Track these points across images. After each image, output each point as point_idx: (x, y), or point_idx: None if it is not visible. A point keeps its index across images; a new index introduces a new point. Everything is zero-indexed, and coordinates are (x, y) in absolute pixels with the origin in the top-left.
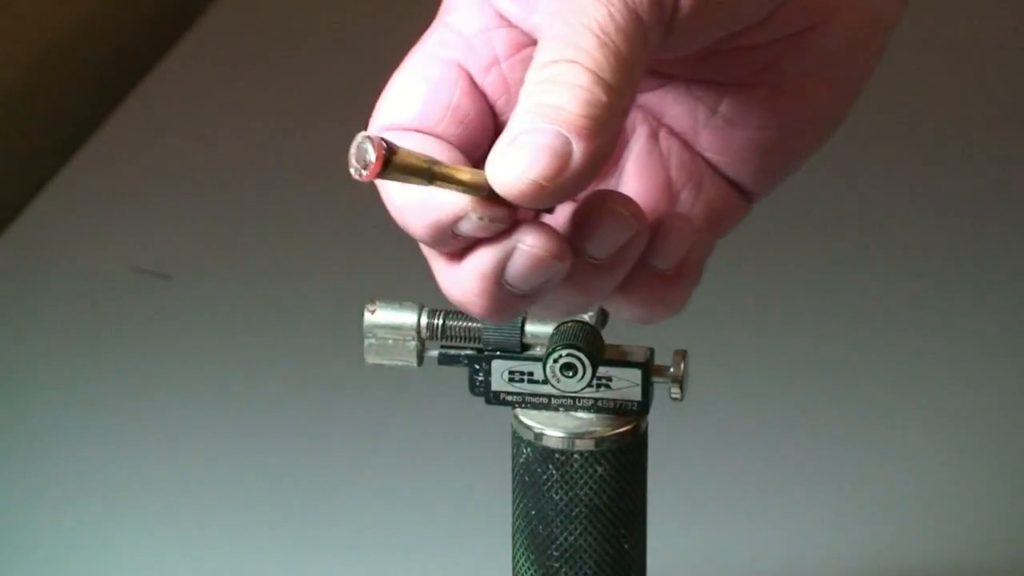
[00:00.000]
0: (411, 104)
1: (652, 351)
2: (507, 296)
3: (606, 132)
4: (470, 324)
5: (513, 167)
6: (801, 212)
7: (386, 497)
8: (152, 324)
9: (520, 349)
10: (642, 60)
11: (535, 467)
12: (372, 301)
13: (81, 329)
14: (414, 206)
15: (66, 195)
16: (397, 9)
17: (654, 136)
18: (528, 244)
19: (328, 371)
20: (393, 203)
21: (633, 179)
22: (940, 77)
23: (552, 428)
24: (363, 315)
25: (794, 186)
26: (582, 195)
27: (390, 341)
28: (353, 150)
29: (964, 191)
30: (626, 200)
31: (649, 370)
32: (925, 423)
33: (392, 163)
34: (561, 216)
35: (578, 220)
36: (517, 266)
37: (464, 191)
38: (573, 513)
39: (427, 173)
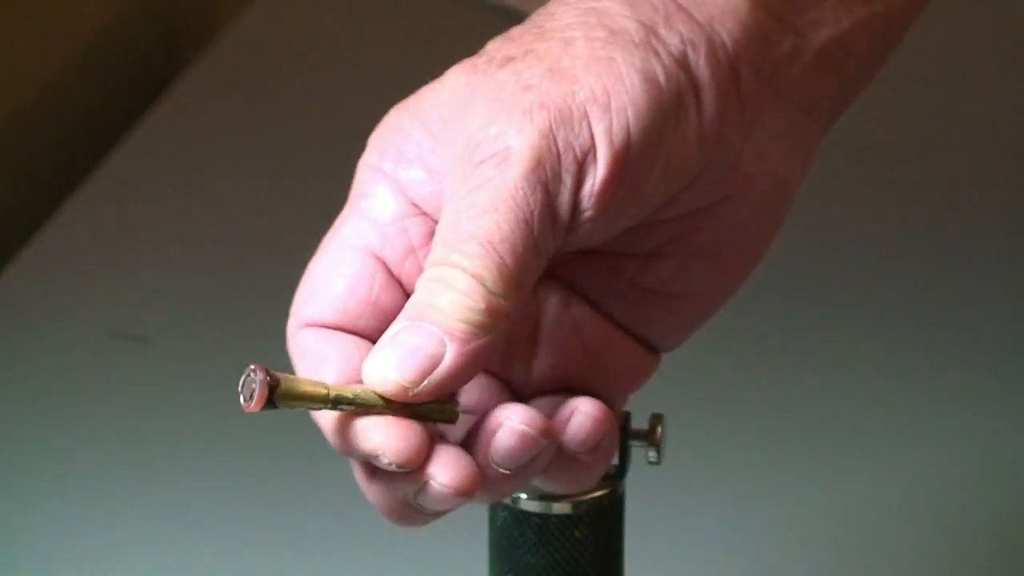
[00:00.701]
0: (329, 301)
1: (629, 415)
2: (416, 514)
3: (481, 337)
4: None
5: (382, 367)
6: (776, 276)
7: (364, 560)
8: (129, 388)
9: None
10: (531, 266)
11: (512, 530)
12: None
13: (57, 393)
14: (330, 432)
15: (42, 259)
16: (379, 66)
17: (565, 304)
18: (439, 483)
19: (303, 431)
20: (315, 419)
21: (545, 348)
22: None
23: (529, 491)
24: None
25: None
26: (468, 401)
27: None
28: (242, 379)
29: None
30: (530, 416)
31: (626, 434)
32: (910, 485)
33: (277, 396)
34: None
35: (486, 438)
36: (428, 498)
37: (360, 408)
38: None
39: (321, 399)
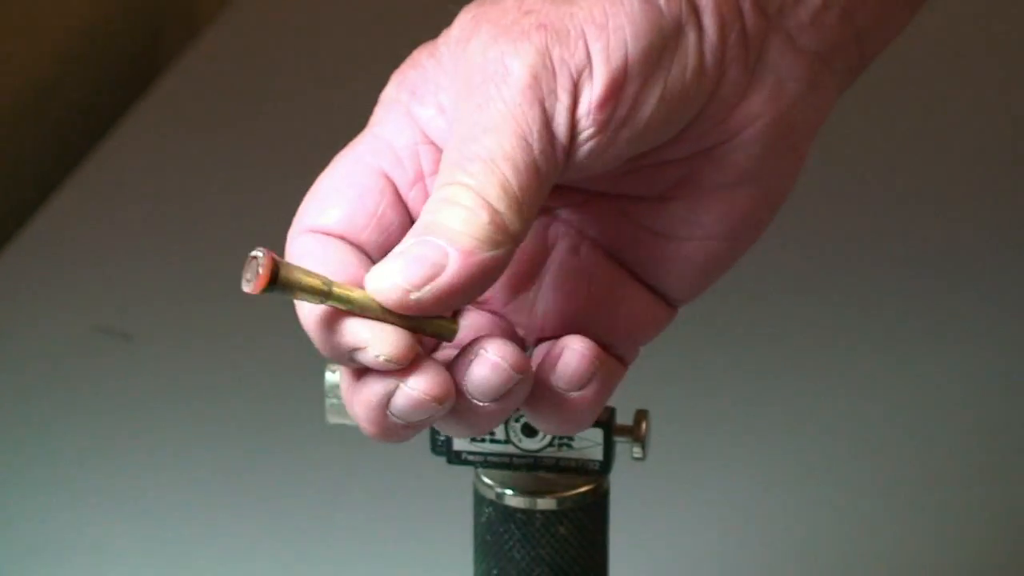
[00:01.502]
0: (337, 208)
1: (613, 411)
2: (392, 424)
3: (485, 251)
4: None
5: (386, 274)
6: (762, 271)
7: (347, 558)
8: (113, 384)
9: None
10: (533, 186)
11: (497, 527)
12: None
13: (41, 389)
14: (318, 322)
15: (26, 255)
16: (361, 63)
17: (575, 249)
18: (410, 386)
19: (289, 432)
20: (301, 311)
21: (551, 292)
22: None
23: (513, 487)
24: (324, 375)
25: (764, 246)
26: (465, 337)
27: None
28: (246, 263)
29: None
30: (508, 350)
31: (611, 430)
32: (896, 480)
33: (278, 279)
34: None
35: (461, 364)
36: (399, 403)
37: (357, 310)
38: (535, 573)
39: (320, 292)
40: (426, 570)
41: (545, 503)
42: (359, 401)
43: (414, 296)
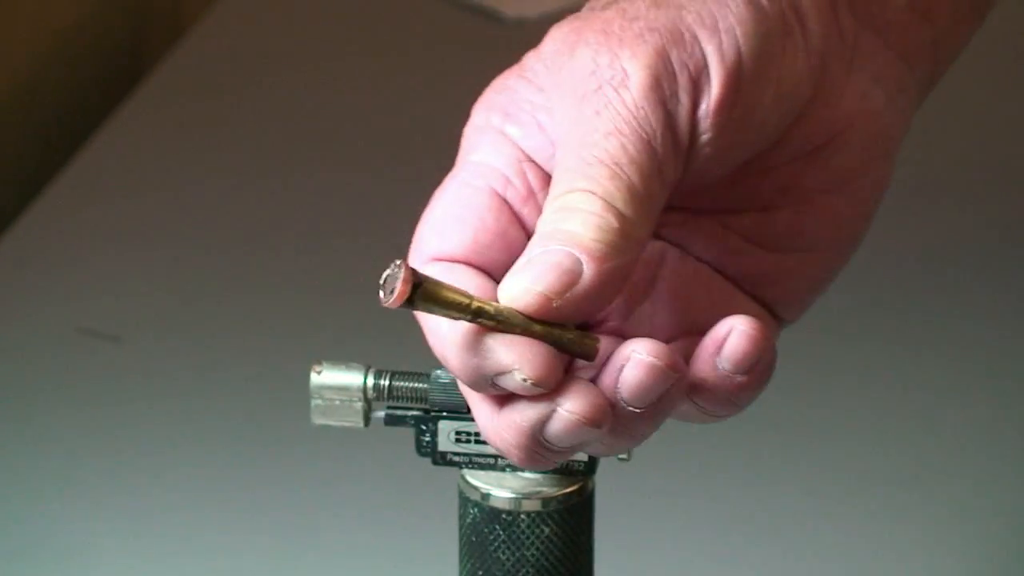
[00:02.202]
0: (458, 233)
1: None
2: (544, 451)
3: (617, 257)
4: (416, 385)
5: (522, 281)
6: None
7: (332, 558)
8: (99, 386)
9: (467, 410)
10: (657, 191)
11: (482, 528)
12: (318, 362)
13: (27, 390)
14: (459, 345)
15: (12, 257)
16: (345, 65)
17: (685, 262)
18: (567, 409)
19: (275, 432)
20: (437, 334)
21: (667, 305)
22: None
23: (499, 489)
24: (309, 376)
25: None
26: (617, 349)
27: (337, 402)
28: (385, 274)
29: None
30: (661, 350)
31: None
32: (882, 487)
33: (418, 295)
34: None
35: (615, 372)
36: (555, 428)
37: (497, 325)
38: (520, 574)
39: (461, 307)
40: (412, 571)
41: (530, 504)
42: (507, 427)
43: (556, 303)
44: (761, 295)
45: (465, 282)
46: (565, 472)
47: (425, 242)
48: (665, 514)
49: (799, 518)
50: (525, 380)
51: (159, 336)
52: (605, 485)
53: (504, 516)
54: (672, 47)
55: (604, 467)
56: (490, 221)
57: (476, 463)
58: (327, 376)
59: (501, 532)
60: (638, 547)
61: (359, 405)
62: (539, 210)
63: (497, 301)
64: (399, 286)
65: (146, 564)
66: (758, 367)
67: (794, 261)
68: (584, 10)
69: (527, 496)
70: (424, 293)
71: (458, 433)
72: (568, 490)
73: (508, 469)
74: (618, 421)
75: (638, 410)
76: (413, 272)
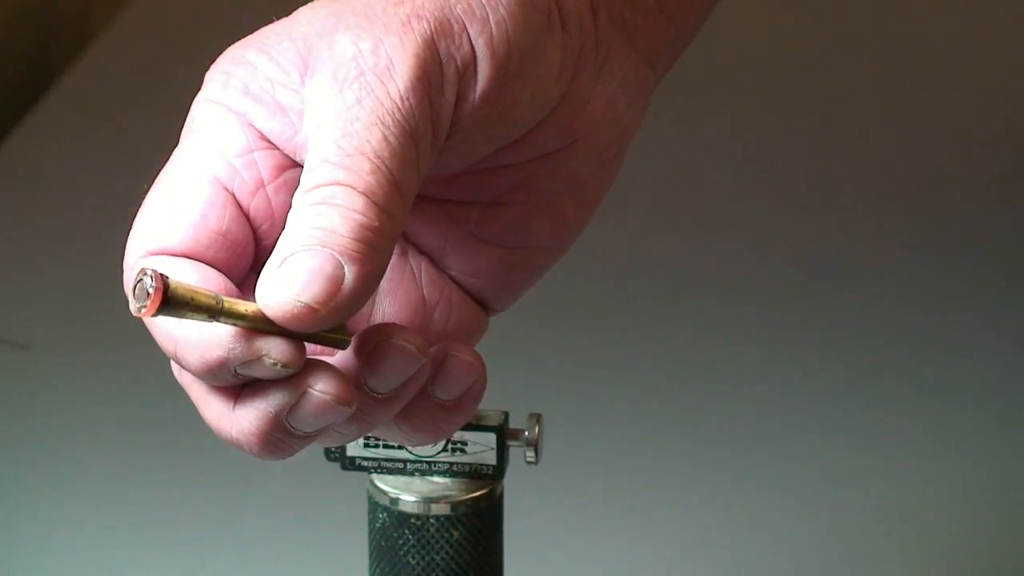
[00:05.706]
0: (179, 228)
1: (507, 414)
2: (287, 436)
3: (378, 258)
4: None
5: (284, 290)
6: (648, 275)
7: (242, 565)
8: (8, 395)
9: None
10: (414, 185)
11: (391, 532)
12: None
13: None
14: (197, 342)
15: None
16: None
17: (404, 255)
18: (319, 390)
19: (185, 439)
20: (169, 335)
21: (388, 299)
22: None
23: (408, 493)
24: None
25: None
26: (363, 328)
27: None
28: (132, 284)
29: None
30: (411, 334)
31: (504, 434)
32: (802, 491)
33: (172, 300)
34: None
35: (363, 356)
36: (305, 410)
37: (247, 325)
38: None
39: (211, 309)
40: None
41: (439, 508)
42: (248, 417)
43: (322, 312)
44: (474, 289)
45: (188, 275)
46: (474, 476)
47: (143, 235)
48: (573, 517)
49: (707, 517)
50: (275, 364)
51: (68, 343)
52: (514, 489)
53: (413, 520)
54: (441, 38)
55: (513, 471)
56: (212, 219)
57: (385, 468)
58: None
59: (410, 536)
60: (547, 550)
61: None
62: (268, 203)
63: (237, 297)
64: (152, 294)
65: (53, 570)
66: (468, 396)
67: (513, 256)
68: None
69: (436, 500)
70: (176, 300)
71: (367, 438)
72: (477, 494)
73: (417, 473)
74: (358, 406)
75: (380, 395)
76: (164, 279)
